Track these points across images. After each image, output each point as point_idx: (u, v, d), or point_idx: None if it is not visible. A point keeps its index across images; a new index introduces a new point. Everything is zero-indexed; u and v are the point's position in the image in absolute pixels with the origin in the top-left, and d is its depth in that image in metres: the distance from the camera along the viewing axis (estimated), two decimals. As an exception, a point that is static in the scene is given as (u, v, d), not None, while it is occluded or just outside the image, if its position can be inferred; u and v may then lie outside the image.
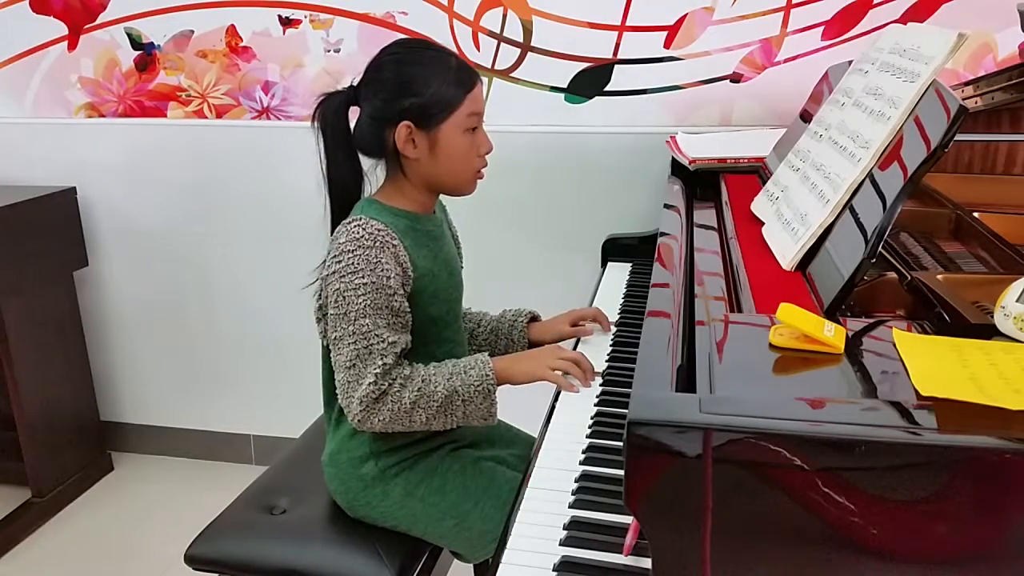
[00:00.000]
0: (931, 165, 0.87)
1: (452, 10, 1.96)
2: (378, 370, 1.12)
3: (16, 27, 2.20)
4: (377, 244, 1.13)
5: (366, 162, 1.24)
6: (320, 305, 1.21)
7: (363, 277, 1.12)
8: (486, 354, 1.20)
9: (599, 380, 1.21)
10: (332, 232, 1.22)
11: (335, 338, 1.15)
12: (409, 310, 1.18)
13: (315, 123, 1.21)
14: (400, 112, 1.15)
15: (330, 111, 1.20)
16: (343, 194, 1.23)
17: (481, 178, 1.25)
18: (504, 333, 1.43)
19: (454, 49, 1.95)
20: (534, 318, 1.46)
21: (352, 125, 1.22)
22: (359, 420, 1.14)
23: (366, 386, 1.12)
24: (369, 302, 1.12)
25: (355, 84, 1.21)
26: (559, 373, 1.20)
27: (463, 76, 1.18)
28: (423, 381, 1.15)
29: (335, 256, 1.15)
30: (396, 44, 1.21)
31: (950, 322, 0.82)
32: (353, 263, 1.12)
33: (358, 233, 1.13)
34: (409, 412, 1.14)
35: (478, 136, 1.21)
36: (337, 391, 1.17)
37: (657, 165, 1.90)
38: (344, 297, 1.13)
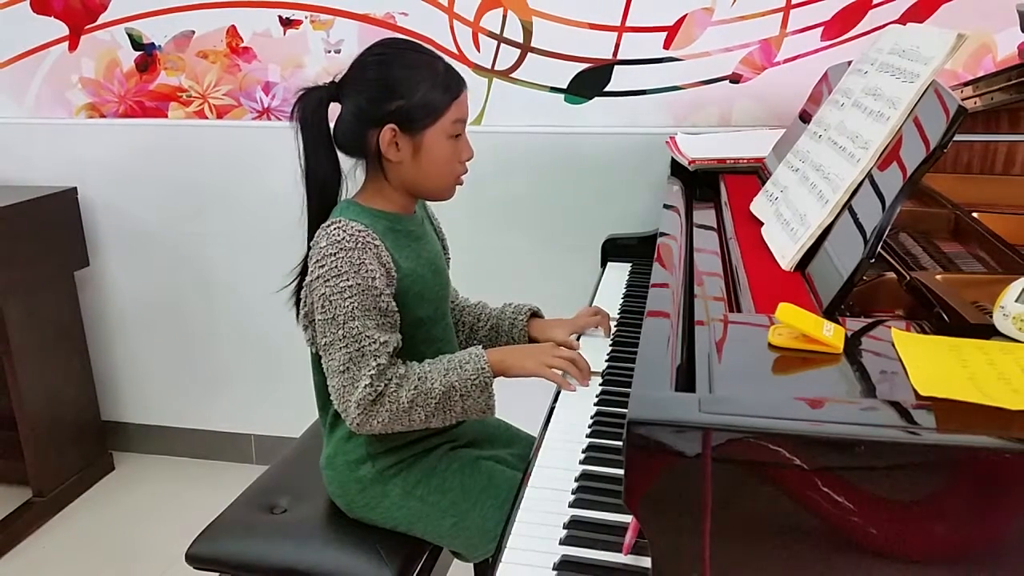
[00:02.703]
0: (930, 165, 0.87)
1: (452, 11, 1.96)
2: (372, 372, 1.11)
3: (17, 27, 2.21)
4: (359, 246, 1.12)
5: (346, 163, 1.22)
6: (306, 312, 1.19)
7: (348, 280, 1.11)
8: (480, 347, 1.20)
9: (599, 380, 1.21)
10: (309, 233, 1.20)
11: (325, 343, 1.13)
12: (397, 309, 1.17)
13: (294, 119, 1.18)
14: (386, 114, 1.14)
15: (309, 107, 1.18)
16: (322, 193, 1.20)
17: (460, 184, 1.24)
18: (505, 331, 1.42)
19: (453, 50, 1.97)
20: (535, 314, 1.44)
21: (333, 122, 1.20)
22: (358, 424, 1.13)
23: (362, 389, 1.11)
24: (357, 304, 1.11)
25: (337, 81, 1.20)
26: (558, 372, 1.19)
27: (450, 82, 1.17)
28: (419, 379, 1.14)
29: (317, 261, 1.13)
30: (383, 44, 1.20)
31: (949, 322, 0.82)
32: (337, 266, 1.11)
33: (338, 236, 1.12)
34: (407, 411, 1.13)
35: (461, 143, 1.20)
36: (332, 397, 1.15)
37: (657, 165, 1.90)
38: (331, 301, 1.11)
